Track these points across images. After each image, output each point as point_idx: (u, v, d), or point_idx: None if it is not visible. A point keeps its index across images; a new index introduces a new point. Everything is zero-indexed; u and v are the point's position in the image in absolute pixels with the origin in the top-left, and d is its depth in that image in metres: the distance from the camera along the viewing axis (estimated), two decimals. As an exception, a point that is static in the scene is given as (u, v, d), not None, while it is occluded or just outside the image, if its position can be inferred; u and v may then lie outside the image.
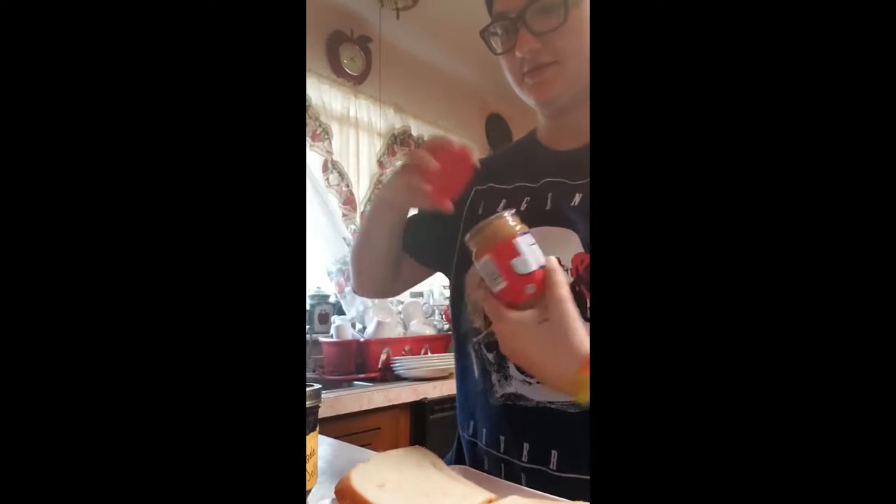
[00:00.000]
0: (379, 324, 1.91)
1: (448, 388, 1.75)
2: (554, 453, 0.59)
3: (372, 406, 1.55)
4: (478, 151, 2.85)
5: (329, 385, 1.68)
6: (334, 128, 2.19)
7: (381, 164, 2.37)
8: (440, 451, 0.60)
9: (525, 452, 0.61)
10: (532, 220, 0.65)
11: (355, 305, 2.04)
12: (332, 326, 1.98)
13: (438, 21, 2.31)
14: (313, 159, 2.13)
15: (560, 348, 0.46)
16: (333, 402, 1.44)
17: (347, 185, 2.22)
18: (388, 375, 1.81)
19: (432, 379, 1.78)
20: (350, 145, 2.26)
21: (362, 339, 1.88)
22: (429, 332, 2.07)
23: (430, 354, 1.93)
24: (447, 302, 2.19)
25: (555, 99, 0.63)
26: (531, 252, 0.48)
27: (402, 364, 1.79)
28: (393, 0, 2.20)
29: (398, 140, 2.46)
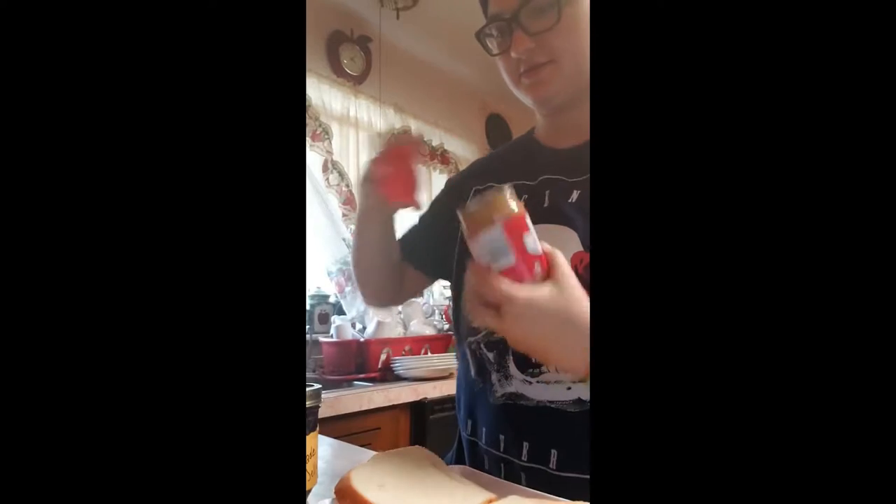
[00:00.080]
0: (379, 324, 1.91)
1: (448, 388, 1.75)
2: (554, 453, 0.59)
3: (372, 406, 1.55)
4: (477, 151, 2.85)
5: (329, 385, 1.68)
6: (334, 128, 2.19)
7: (381, 164, 2.36)
8: (440, 451, 0.60)
9: (525, 452, 0.61)
10: (531, 217, 0.65)
11: (355, 305, 2.04)
12: (332, 326, 1.98)
13: (438, 21, 2.31)
14: (313, 159, 2.13)
15: (574, 329, 0.44)
16: (333, 402, 1.44)
17: (347, 185, 2.22)
18: (388, 375, 1.81)
19: (432, 379, 1.78)
20: (350, 145, 2.26)
21: (362, 339, 1.88)
22: (429, 332, 2.07)
23: (430, 354, 1.93)
24: (447, 302, 2.20)
25: (552, 98, 0.64)
26: (535, 232, 0.46)
27: (402, 364, 1.79)
28: (393, 0, 2.20)
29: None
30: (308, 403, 0.51)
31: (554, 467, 0.58)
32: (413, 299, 2.19)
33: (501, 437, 0.63)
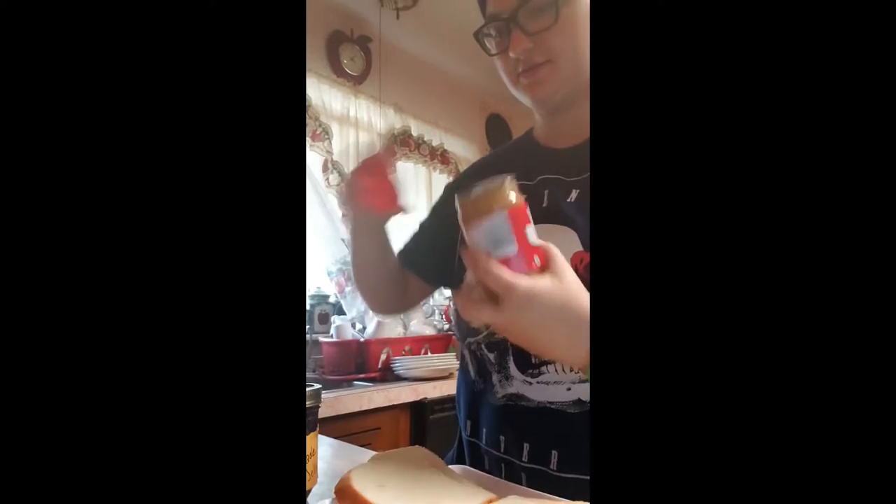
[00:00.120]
0: (379, 324, 1.91)
1: (448, 388, 1.75)
2: (554, 454, 0.59)
3: (372, 406, 1.55)
4: (477, 151, 2.85)
5: (329, 385, 1.68)
6: (334, 128, 2.19)
7: (381, 164, 2.36)
8: (440, 451, 0.60)
9: (525, 452, 0.61)
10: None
11: (355, 305, 2.04)
12: (332, 326, 1.98)
13: (438, 21, 2.31)
14: (313, 159, 2.13)
15: (576, 319, 0.43)
16: (333, 402, 1.44)
17: (348, 185, 2.22)
18: (388, 375, 1.81)
19: (432, 379, 1.78)
20: (350, 145, 2.26)
21: (362, 339, 1.88)
22: (429, 332, 2.07)
23: (430, 354, 1.93)
24: (447, 302, 2.20)
25: (550, 97, 0.64)
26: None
27: (402, 364, 1.79)
28: (393, 0, 2.20)
29: (398, 140, 2.46)
30: (308, 403, 0.51)
31: (554, 468, 0.58)
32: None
33: (502, 437, 0.63)
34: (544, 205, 0.64)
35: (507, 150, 0.81)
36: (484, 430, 0.66)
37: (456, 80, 2.79)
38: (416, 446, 0.56)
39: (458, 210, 0.46)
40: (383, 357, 1.83)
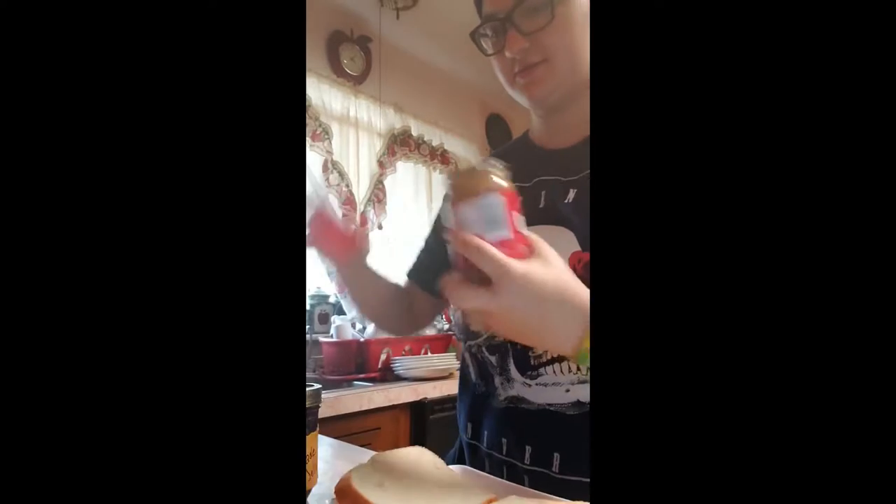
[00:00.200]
0: (379, 324, 1.91)
1: (448, 388, 1.75)
2: (556, 456, 0.59)
3: (372, 406, 1.55)
4: (477, 151, 2.85)
5: (329, 385, 1.68)
6: (334, 128, 2.19)
7: (381, 164, 2.37)
8: (440, 451, 0.60)
9: (528, 455, 0.61)
10: (527, 218, 0.65)
11: (355, 305, 2.04)
12: (332, 326, 1.98)
13: (438, 21, 2.31)
14: (313, 159, 2.13)
15: (568, 306, 0.42)
16: (333, 402, 1.44)
17: (347, 185, 2.22)
18: (388, 375, 1.81)
19: (432, 379, 1.78)
20: (350, 145, 2.26)
21: (362, 339, 1.88)
22: (429, 332, 2.07)
23: (430, 354, 1.93)
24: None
25: (546, 97, 0.64)
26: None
27: (402, 364, 1.79)
28: (393, 0, 2.20)
29: (398, 140, 2.46)
30: (308, 403, 0.51)
31: (556, 471, 0.58)
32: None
33: (504, 440, 0.63)
34: (541, 206, 0.65)
35: (503, 154, 0.82)
36: (485, 432, 0.66)
37: (456, 80, 2.79)
38: (416, 446, 0.56)
39: (449, 188, 0.43)
40: (383, 357, 1.83)
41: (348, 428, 1.47)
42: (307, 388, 0.51)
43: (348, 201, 2.22)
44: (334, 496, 0.45)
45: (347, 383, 1.75)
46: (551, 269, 0.42)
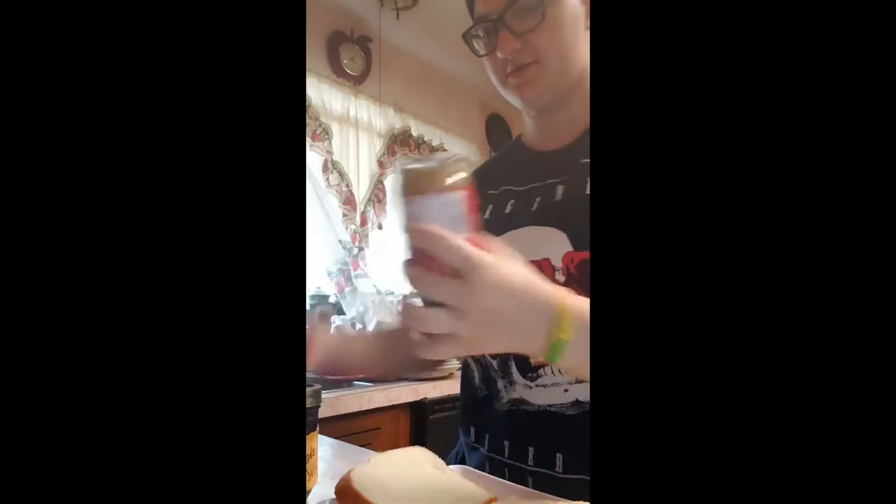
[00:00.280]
0: (379, 324, 1.91)
1: (448, 388, 1.75)
2: (559, 456, 0.59)
3: (372, 406, 1.55)
4: (477, 151, 2.85)
5: (329, 385, 1.68)
6: (334, 128, 2.19)
7: (381, 164, 2.37)
8: (440, 451, 0.60)
9: (531, 456, 0.61)
10: (519, 220, 0.65)
11: (355, 305, 2.04)
12: (332, 326, 1.98)
13: (438, 21, 2.30)
14: (313, 159, 2.13)
15: (532, 304, 0.40)
16: (333, 402, 1.44)
17: (347, 186, 2.22)
18: (388, 375, 1.81)
19: (432, 379, 1.78)
20: (350, 145, 2.26)
21: (362, 339, 1.88)
22: (429, 332, 2.06)
23: (430, 354, 1.92)
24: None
25: (538, 97, 0.64)
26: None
27: (402, 364, 1.78)
28: (393, 0, 2.20)
29: (398, 140, 2.45)
30: (308, 403, 0.51)
31: (560, 471, 0.58)
32: (414, 299, 2.18)
33: (506, 442, 0.63)
34: (533, 208, 0.65)
35: (495, 161, 0.82)
36: (487, 435, 0.66)
37: (456, 80, 2.78)
38: (416, 446, 0.56)
39: (404, 180, 0.41)
40: (383, 357, 1.83)
41: (348, 428, 1.47)
42: (307, 388, 0.51)
43: (348, 201, 2.22)
44: (334, 496, 0.45)
45: (347, 383, 1.75)
46: (516, 263, 0.41)
